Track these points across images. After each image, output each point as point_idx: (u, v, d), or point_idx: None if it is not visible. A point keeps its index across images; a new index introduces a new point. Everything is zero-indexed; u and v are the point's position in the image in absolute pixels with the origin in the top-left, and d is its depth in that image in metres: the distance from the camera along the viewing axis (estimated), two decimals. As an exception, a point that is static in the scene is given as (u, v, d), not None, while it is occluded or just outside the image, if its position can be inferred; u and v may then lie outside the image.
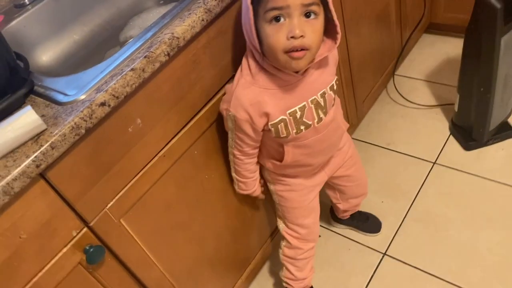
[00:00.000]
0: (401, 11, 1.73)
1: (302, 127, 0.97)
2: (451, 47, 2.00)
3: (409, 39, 1.80)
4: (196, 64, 0.94)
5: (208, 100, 1.01)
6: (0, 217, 0.72)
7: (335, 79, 1.00)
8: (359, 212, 1.50)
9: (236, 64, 1.00)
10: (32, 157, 0.71)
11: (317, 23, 0.85)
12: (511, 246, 1.35)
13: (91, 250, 0.85)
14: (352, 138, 1.76)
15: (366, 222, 1.50)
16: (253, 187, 1.13)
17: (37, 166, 0.72)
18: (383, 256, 1.44)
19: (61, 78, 0.87)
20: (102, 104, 0.77)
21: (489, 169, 1.55)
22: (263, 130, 0.97)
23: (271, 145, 1.04)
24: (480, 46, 1.34)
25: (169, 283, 1.07)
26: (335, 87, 1.00)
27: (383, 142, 1.75)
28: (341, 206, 1.39)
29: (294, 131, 0.97)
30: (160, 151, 0.94)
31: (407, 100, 1.84)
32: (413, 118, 1.79)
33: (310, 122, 0.97)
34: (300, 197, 1.16)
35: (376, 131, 1.79)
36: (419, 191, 1.56)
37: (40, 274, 0.80)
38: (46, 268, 0.81)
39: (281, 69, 0.90)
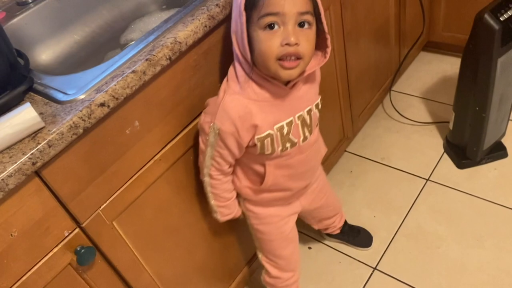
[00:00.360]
0: (400, 28, 1.75)
1: (288, 145, 0.96)
2: (448, 66, 2.02)
3: (407, 56, 1.82)
4: (196, 70, 0.95)
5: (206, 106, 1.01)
6: (-8, 213, 0.71)
7: (320, 98, 1.00)
8: (350, 226, 1.50)
9: (236, 71, 1.01)
10: (29, 154, 0.71)
11: (311, 33, 0.85)
12: (501, 265, 1.36)
13: (82, 251, 0.84)
14: (346, 152, 1.78)
15: (358, 236, 1.50)
16: (235, 207, 1.08)
17: (33, 164, 0.71)
18: (373, 271, 1.44)
19: (61, 77, 0.87)
20: (102, 104, 0.77)
21: (482, 188, 1.56)
22: (247, 146, 0.94)
23: (251, 167, 1.01)
24: (477, 66, 1.36)
25: (158, 288, 1.07)
26: (319, 106, 1.00)
27: (377, 157, 1.75)
28: (315, 227, 1.40)
29: (280, 148, 0.95)
30: (156, 154, 0.94)
31: (402, 116, 1.85)
32: (408, 134, 1.81)
33: (296, 140, 0.96)
34: (277, 229, 1.13)
35: (370, 145, 1.80)
36: (411, 207, 1.57)
37: (29, 273, 0.79)
38: (35, 267, 0.80)
39: (270, 80, 0.89)
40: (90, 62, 1.15)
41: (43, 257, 0.80)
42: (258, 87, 0.90)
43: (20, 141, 0.73)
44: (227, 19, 0.96)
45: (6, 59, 0.81)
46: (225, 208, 1.05)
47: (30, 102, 0.80)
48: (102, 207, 0.87)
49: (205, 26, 0.90)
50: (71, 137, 0.75)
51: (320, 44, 0.91)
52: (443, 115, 1.82)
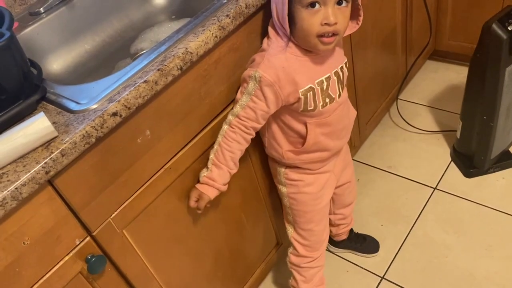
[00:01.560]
0: (407, 37, 1.76)
1: (327, 100, 1.01)
2: (454, 74, 2.02)
3: (413, 65, 1.83)
4: (206, 79, 0.95)
5: (215, 115, 1.02)
6: (6, 222, 0.72)
7: (345, 61, 1.06)
8: (356, 234, 1.50)
9: (245, 81, 1.02)
10: (42, 163, 0.72)
11: (347, 10, 0.92)
12: (509, 275, 1.35)
13: (93, 259, 0.85)
14: (354, 160, 1.78)
15: (364, 243, 1.50)
16: (224, 181, 1.00)
17: (47, 173, 0.72)
18: (381, 280, 1.43)
19: (73, 86, 0.88)
20: (114, 114, 0.78)
21: (489, 197, 1.55)
22: (286, 103, 0.97)
23: (293, 128, 1.04)
24: (484, 75, 1.36)
25: (167, 297, 1.07)
26: (347, 65, 1.06)
27: (384, 165, 1.75)
28: (333, 230, 1.42)
29: (321, 103, 1.00)
30: (166, 163, 0.94)
31: (409, 124, 1.85)
32: (414, 142, 1.81)
33: (333, 96, 1.02)
34: (313, 200, 1.16)
35: (377, 154, 1.80)
36: (419, 215, 1.57)
37: (40, 281, 0.79)
38: (47, 275, 0.80)
39: (306, 49, 0.95)
40: (100, 72, 1.16)
41: (54, 266, 0.81)
42: (297, 49, 0.96)
43: (34, 150, 0.74)
44: (237, 29, 0.97)
45: (20, 69, 0.82)
46: (217, 170, 0.99)
47: (44, 111, 0.81)
48: (113, 215, 0.87)
49: (216, 37, 0.91)
50: (84, 146, 0.76)
51: (353, 13, 0.97)
52: (450, 124, 1.82)
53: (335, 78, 1.01)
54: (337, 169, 1.21)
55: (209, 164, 1.00)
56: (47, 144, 0.74)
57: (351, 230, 1.48)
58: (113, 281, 0.92)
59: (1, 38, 0.76)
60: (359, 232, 1.52)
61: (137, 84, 0.81)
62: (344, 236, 1.47)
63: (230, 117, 0.98)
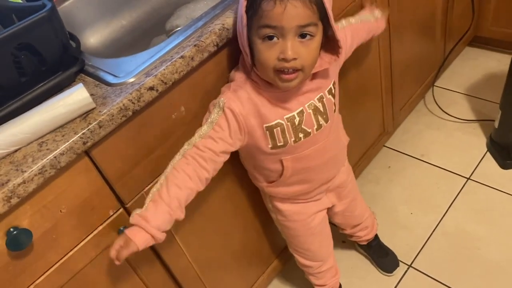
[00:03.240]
0: (447, 22, 1.70)
1: (301, 135, 0.92)
2: (495, 62, 1.95)
3: (452, 51, 1.77)
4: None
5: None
6: (44, 190, 0.74)
7: (333, 82, 0.95)
8: (380, 245, 1.43)
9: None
10: (80, 133, 0.73)
11: (313, 43, 0.80)
12: (543, 271, 1.31)
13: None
14: (385, 147, 1.75)
15: (383, 257, 1.42)
16: (158, 225, 0.79)
17: (84, 143, 0.74)
18: (408, 268, 1.41)
19: (111, 60, 0.89)
20: (151, 88, 0.78)
21: (526, 190, 1.51)
22: (249, 139, 0.89)
23: (268, 168, 0.97)
24: (529, 63, 1.31)
25: (195, 272, 1.08)
26: (333, 91, 0.95)
27: (417, 153, 1.72)
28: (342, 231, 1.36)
29: (293, 139, 0.91)
30: (199, 140, 0.94)
31: (445, 112, 1.80)
32: (449, 131, 1.76)
33: (309, 130, 0.92)
34: (303, 226, 1.11)
35: (410, 141, 1.77)
36: (450, 205, 1.53)
37: (75, 249, 0.82)
38: (81, 244, 0.82)
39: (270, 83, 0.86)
40: (136, 47, 1.17)
41: (89, 234, 0.83)
42: (261, 82, 0.87)
43: (72, 120, 0.76)
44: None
45: (60, 41, 0.83)
46: (154, 207, 0.80)
47: (82, 83, 0.82)
48: (146, 189, 0.88)
49: (253, 14, 0.89)
50: (121, 119, 0.77)
51: (333, 46, 0.87)
52: (487, 113, 1.76)
53: (311, 111, 0.91)
54: (334, 198, 1.15)
55: (146, 201, 0.81)
56: (85, 115, 0.76)
57: (376, 238, 1.41)
58: (143, 253, 0.92)
59: (43, 9, 0.77)
60: (384, 244, 1.44)
61: (174, 60, 0.81)
62: (364, 243, 1.40)
63: (185, 146, 0.85)
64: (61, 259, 0.80)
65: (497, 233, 1.42)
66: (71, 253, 0.81)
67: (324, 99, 0.93)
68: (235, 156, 1.04)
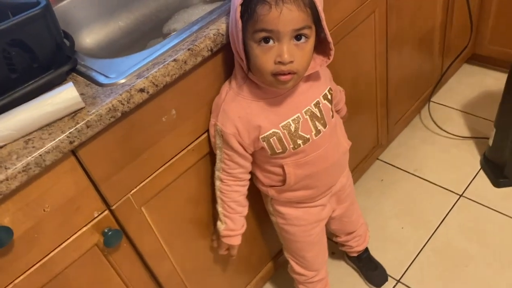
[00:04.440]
0: (445, 38, 1.71)
1: (300, 141, 0.93)
2: (492, 81, 1.95)
3: (449, 67, 1.77)
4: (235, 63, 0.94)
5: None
6: (28, 188, 0.73)
7: (328, 88, 0.96)
8: (370, 258, 1.42)
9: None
10: (67, 133, 0.72)
11: (307, 46, 0.82)
12: (532, 291, 1.30)
13: (110, 233, 0.85)
14: (379, 160, 1.75)
15: (372, 271, 1.41)
16: (240, 225, 1.02)
17: (71, 142, 0.73)
18: (396, 283, 1.40)
19: (103, 60, 0.89)
20: (141, 90, 0.78)
21: (518, 209, 1.50)
22: (254, 149, 0.93)
23: (270, 170, 0.99)
24: (524, 82, 1.31)
25: (179, 278, 1.07)
26: (329, 96, 0.96)
27: (411, 168, 1.71)
28: (334, 239, 1.35)
29: (291, 146, 0.92)
30: (189, 144, 0.94)
31: (440, 128, 1.80)
32: (444, 147, 1.76)
33: (307, 136, 0.93)
34: (303, 232, 1.11)
35: (404, 155, 1.76)
36: (441, 222, 1.53)
37: (57, 249, 0.81)
38: (64, 244, 0.81)
39: (265, 86, 0.88)
40: (132, 49, 1.16)
41: (72, 235, 0.82)
42: (255, 87, 0.89)
43: (60, 119, 0.75)
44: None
45: (54, 39, 0.82)
46: (230, 221, 1.01)
47: (73, 83, 0.81)
48: (133, 191, 0.88)
49: (249, 20, 0.89)
50: (109, 119, 0.76)
51: (323, 46, 0.88)
52: (482, 131, 1.76)
53: (307, 116, 0.92)
54: (335, 204, 1.15)
55: (221, 217, 1.01)
56: (73, 115, 0.75)
57: (366, 250, 1.40)
58: (127, 257, 0.93)
59: (37, 6, 0.77)
60: (374, 258, 1.43)
61: (166, 62, 0.81)
62: (354, 254, 1.39)
63: (217, 173, 0.97)
64: (42, 259, 0.79)
65: (487, 251, 1.42)
66: (52, 253, 0.80)
67: (320, 105, 0.94)
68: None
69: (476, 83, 1.97)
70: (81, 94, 0.79)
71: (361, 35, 1.26)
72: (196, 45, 0.84)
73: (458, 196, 1.59)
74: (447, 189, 1.62)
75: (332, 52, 0.88)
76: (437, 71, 1.78)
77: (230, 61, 0.92)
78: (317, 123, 0.94)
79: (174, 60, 0.81)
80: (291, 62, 0.80)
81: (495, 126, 1.51)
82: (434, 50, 1.69)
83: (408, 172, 1.70)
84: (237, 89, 0.89)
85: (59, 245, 0.81)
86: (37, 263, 0.78)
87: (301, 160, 0.96)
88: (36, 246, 0.77)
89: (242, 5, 0.78)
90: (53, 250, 0.80)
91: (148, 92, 0.79)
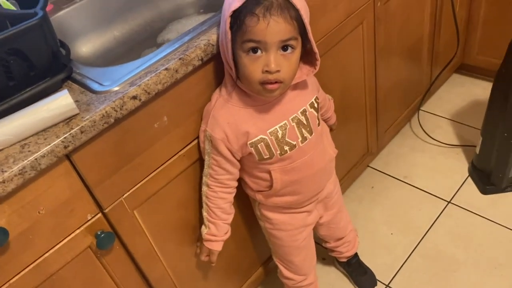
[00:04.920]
0: (434, 48, 1.75)
1: (286, 148, 0.96)
2: (480, 90, 2.00)
3: (438, 77, 1.81)
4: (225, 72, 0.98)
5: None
6: (23, 190, 0.75)
7: (315, 97, 1.00)
8: (359, 263, 1.45)
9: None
10: (62, 138, 0.75)
11: (294, 56, 0.86)
12: (517, 296, 1.33)
13: (102, 235, 0.88)
14: (369, 167, 1.78)
15: (362, 276, 1.43)
16: (223, 232, 1.04)
17: (65, 147, 0.76)
18: (385, 288, 1.43)
19: (98, 69, 0.92)
20: (134, 97, 0.81)
21: (505, 216, 1.53)
22: (242, 155, 0.96)
23: (257, 176, 1.02)
24: (508, 91, 1.35)
25: (171, 281, 1.09)
26: (315, 105, 0.99)
27: (400, 175, 1.75)
28: (324, 244, 1.38)
29: (278, 152, 0.95)
30: (181, 150, 0.97)
31: (429, 136, 1.84)
32: (433, 155, 1.79)
33: (294, 142, 0.96)
34: (290, 237, 1.14)
35: (394, 163, 1.80)
36: (430, 228, 1.56)
37: (51, 251, 0.83)
38: (57, 246, 0.84)
39: (253, 94, 0.91)
40: (127, 58, 1.19)
41: (66, 237, 0.85)
42: (244, 94, 0.92)
43: (55, 125, 0.78)
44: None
45: (50, 48, 0.86)
46: (214, 226, 1.03)
47: (68, 90, 0.84)
48: (125, 195, 0.90)
49: (238, 31, 0.93)
50: (103, 125, 0.79)
51: (309, 57, 0.92)
52: (470, 139, 1.80)
53: (294, 124, 0.95)
54: (322, 210, 1.18)
55: (206, 222, 1.03)
56: (68, 121, 0.78)
57: (355, 256, 1.42)
58: (120, 259, 0.96)
59: (34, 17, 0.80)
60: (363, 263, 1.45)
61: (158, 71, 0.84)
62: (343, 259, 1.42)
63: (204, 178, 1.00)
64: (37, 260, 0.81)
65: (474, 257, 1.45)
66: (47, 254, 0.83)
67: (306, 113, 0.98)
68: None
69: (465, 92, 2.01)
70: (76, 101, 0.82)
71: (349, 45, 1.30)
72: (187, 55, 0.87)
73: (447, 203, 1.62)
74: (436, 196, 1.65)
75: (318, 62, 0.92)
76: (426, 80, 1.82)
77: (220, 70, 0.95)
78: (303, 130, 0.97)
79: (166, 69, 0.85)
80: (278, 71, 0.84)
81: (482, 134, 1.55)
82: (423, 60, 1.73)
83: (398, 179, 1.74)
84: (227, 97, 0.93)
85: (53, 247, 0.83)
86: (31, 263, 0.81)
87: (287, 166, 0.99)
88: (31, 247, 0.80)
89: (231, 16, 0.82)
90: (47, 252, 0.83)
91: (140, 100, 0.82)
